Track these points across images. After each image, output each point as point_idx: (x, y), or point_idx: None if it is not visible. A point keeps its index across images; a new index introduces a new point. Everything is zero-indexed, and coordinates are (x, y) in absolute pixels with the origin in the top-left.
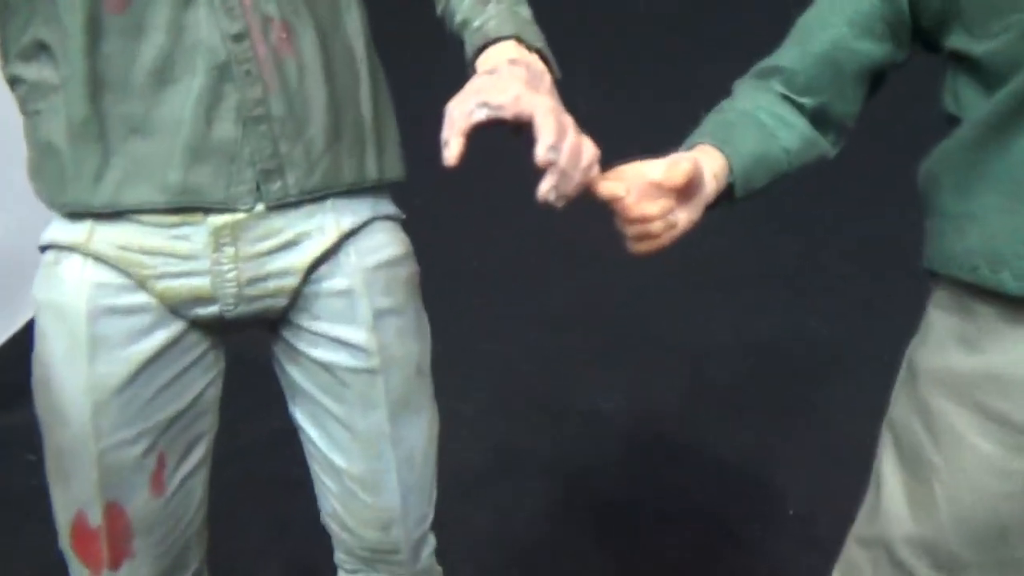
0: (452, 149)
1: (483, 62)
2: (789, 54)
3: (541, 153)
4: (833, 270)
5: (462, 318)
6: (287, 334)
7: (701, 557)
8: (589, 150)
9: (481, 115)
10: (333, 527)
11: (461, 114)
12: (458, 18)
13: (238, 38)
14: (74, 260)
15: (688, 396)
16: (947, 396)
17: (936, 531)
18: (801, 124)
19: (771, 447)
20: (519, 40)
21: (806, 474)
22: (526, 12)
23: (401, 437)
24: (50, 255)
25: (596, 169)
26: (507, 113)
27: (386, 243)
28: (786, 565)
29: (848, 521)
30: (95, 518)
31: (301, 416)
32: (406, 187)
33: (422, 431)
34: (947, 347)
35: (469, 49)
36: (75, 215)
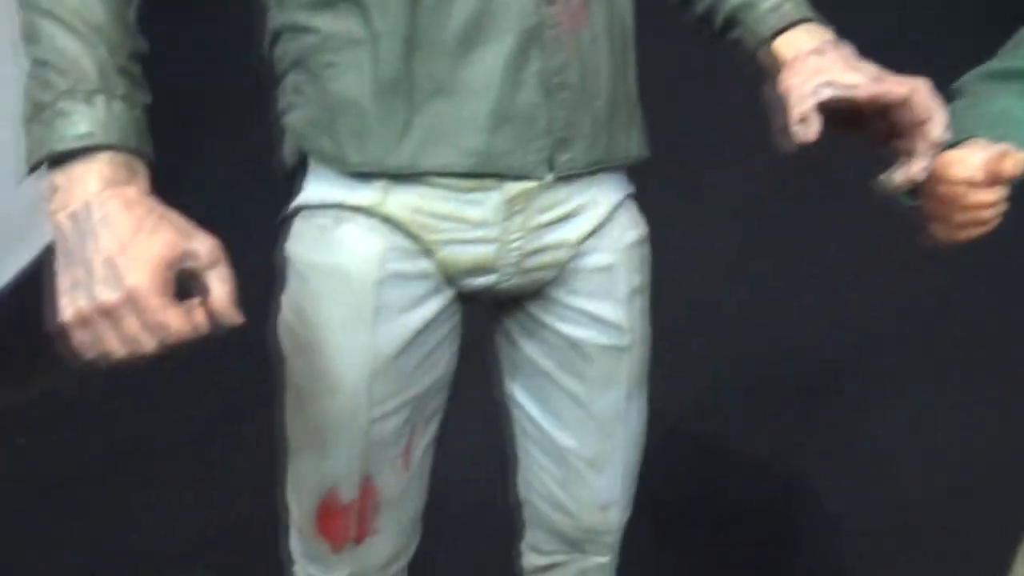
0: (813, 125)
1: (788, 44)
2: None
3: (937, 134)
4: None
5: None
6: (534, 308)
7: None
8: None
9: (826, 94)
10: (543, 508)
11: (803, 95)
12: (735, 1)
13: (550, 1)
14: (362, 223)
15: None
16: None
17: None
18: None
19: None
20: (813, 23)
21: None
22: None
23: (631, 417)
24: (325, 217)
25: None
26: (861, 93)
27: (637, 221)
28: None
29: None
30: (349, 493)
31: (524, 394)
32: None
33: (642, 412)
34: None
35: (760, 30)
36: (366, 176)
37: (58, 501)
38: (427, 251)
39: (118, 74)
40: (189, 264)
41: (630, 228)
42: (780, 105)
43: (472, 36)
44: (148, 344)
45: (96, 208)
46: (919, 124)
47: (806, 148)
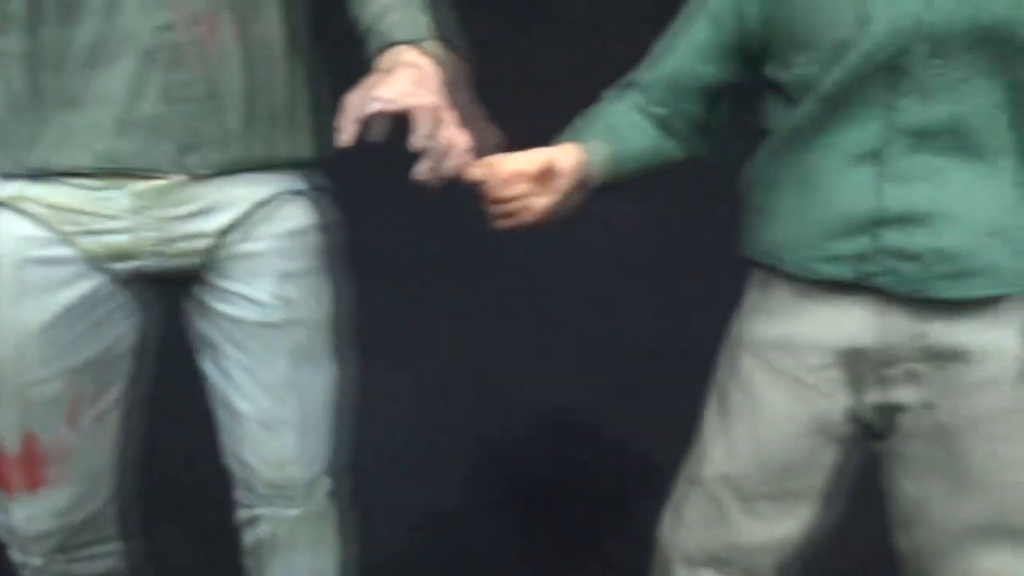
0: (346, 135)
1: (382, 62)
2: (646, 72)
3: (417, 141)
4: None
5: (398, 302)
6: (199, 291)
7: (596, 525)
8: (462, 142)
9: (374, 107)
10: (234, 465)
11: (355, 106)
12: (364, 24)
13: (165, 28)
14: (6, 214)
15: (609, 386)
16: (750, 356)
17: (739, 468)
18: (652, 131)
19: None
20: (416, 45)
21: None
22: (425, 20)
23: (301, 385)
24: None
25: (468, 157)
26: (395, 106)
27: (295, 214)
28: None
29: None
30: (12, 447)
31: (208, 366)
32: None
33: (322, 382)
34: (753, 317)
35: (372, 51)
36: (8, 175)
37: None
38: (66, 240)
39: None
40: None
41: (284, 220)
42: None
43: (97, 56)
44: None
45: None
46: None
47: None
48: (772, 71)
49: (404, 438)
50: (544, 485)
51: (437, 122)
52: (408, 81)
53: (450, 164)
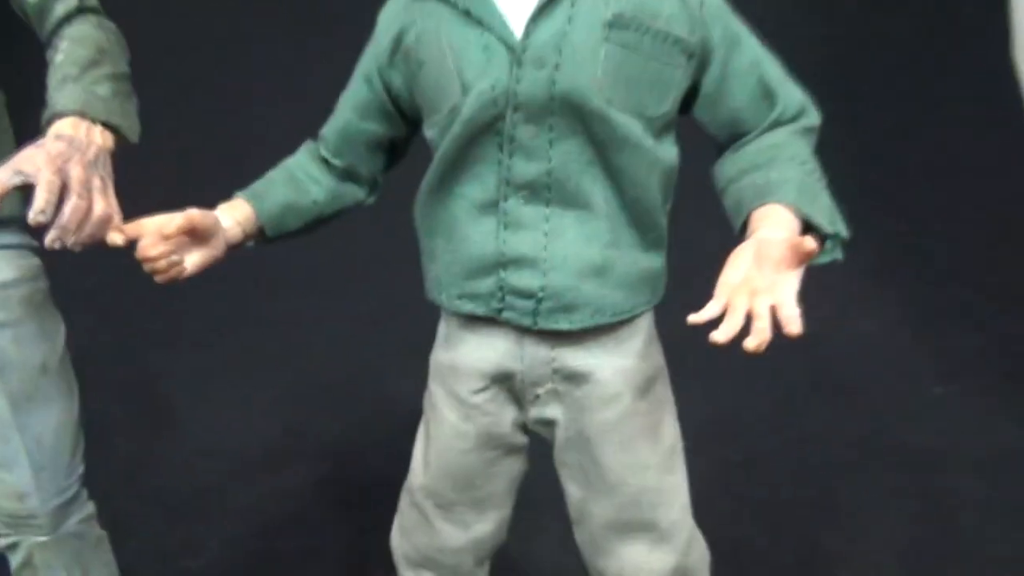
0: None
1: (44, 134)
2: (328, 125)
3: (32, 215)
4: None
5: (260, 310)
6: None
7: None
8: (99, 210)
9: (16, 180)
10: None
11: None
12: (47, 96)
13: None
14: None
15: None
16: (436, 381)
17: (433, 480)
18: (328, 181)
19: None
20: (83, 116)
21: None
22: (104, 89)
23: (26, 426)
24: None
25: (114, 221)
26: (31, 180)
27: None
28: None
29: None
30: None
31: None
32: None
33: (51, 419)
34: (440, 346)
35: (42, 122)
36: None
37: None
38: None
39: None
40: None
41: None
42: None
43: None
44: None
45: None
46: None
47: None
48: (425, 128)
49: (255, 442)
50: (396, 486)
51: (61, 194)
52: (47, 154)
53: (84, 233)
